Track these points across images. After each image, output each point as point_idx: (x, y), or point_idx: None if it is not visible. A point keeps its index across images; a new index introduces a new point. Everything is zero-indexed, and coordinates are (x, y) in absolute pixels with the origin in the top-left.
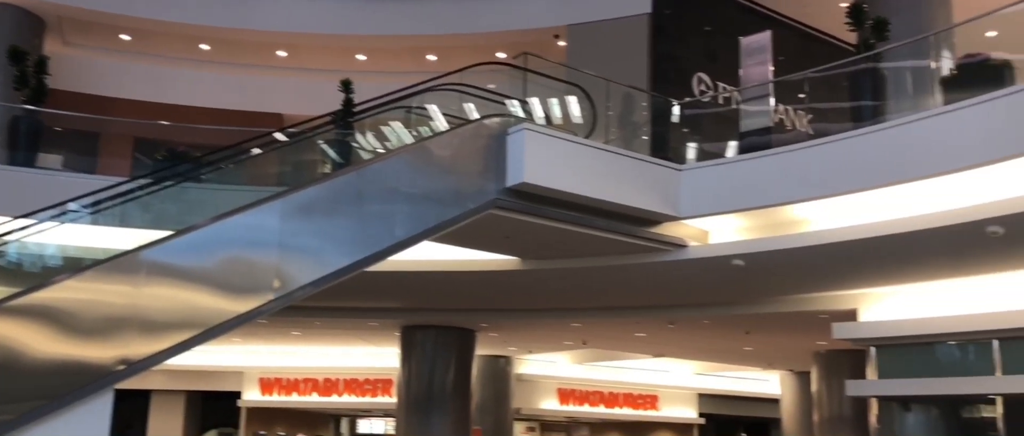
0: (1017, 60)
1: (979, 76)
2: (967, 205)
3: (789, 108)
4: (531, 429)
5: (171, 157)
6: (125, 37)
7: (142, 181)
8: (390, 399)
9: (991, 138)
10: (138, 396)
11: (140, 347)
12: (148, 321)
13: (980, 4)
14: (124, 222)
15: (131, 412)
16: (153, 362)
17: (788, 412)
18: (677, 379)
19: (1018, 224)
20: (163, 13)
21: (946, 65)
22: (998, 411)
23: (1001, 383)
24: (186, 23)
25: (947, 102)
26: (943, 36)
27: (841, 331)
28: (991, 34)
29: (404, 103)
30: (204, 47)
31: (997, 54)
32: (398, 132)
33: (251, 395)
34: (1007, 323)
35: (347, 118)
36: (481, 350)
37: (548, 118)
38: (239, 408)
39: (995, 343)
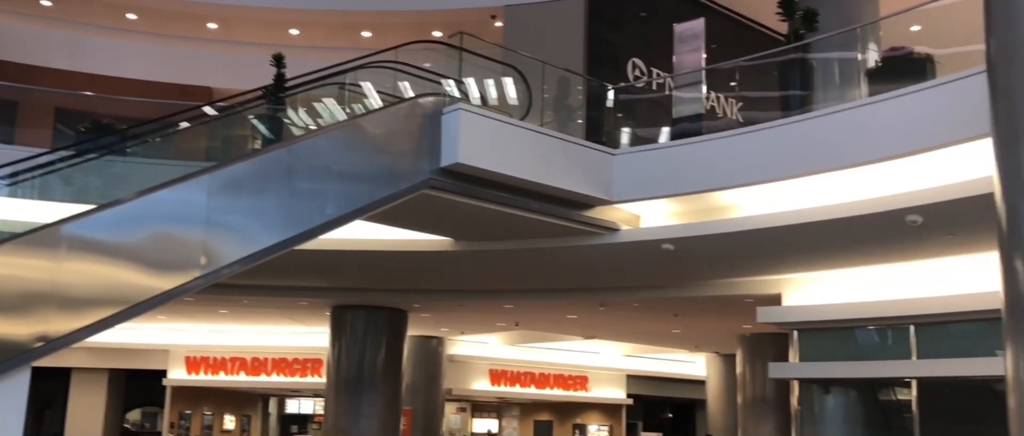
0: (939, 54)
1: (903, 69)
2: (888, 194)
3: (721, 96)
4: (462, 410)
5: (95, 129)
6: (46, 3)
7: (64, 153)
8: (319, 379)
9: (912, 129)
10: (58, 374)
11: (59, 324)
12: (68, 297)
13: None
14: (44, 195)
15: (50, 390)
16: (73, 339)
17: (713, 393)
18: (607, 361)
19: (936, 213)
20: None
21: (872, 57)
22: (913, 394)
23: (916, 367)
24: None
25: (872, 94)
26: (870, 29)
27: (765, 315)
28: (915, 29)
29: (338, 79)
30: (131, 16)
31: (920, 48)
32: (331, 109)
33: (176, 374)
34: (923, 309)
35: (279, 93)
36: (413, 331)
37: (484, 99)
38: (164, 387)
39: (911, 328)
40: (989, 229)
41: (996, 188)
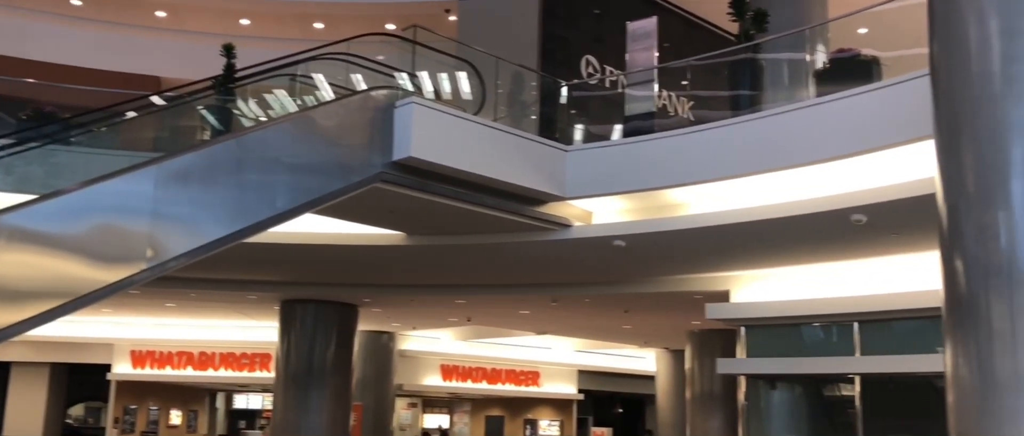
0: (885, 57)
1: (850, 70)
2: (834, 193)
3: (672, 94)
4: (413, 405)
5: (37, 117)
6: None
7: (4, 142)
8: (268, 374)
9: (858, 130)
10: None
11: None
12: (8, 289)
13: (854, 1)
14: None
15: None
16: (13, 332)
17: (662, 389)
18: (558, 356)
19: (880, 213)
20: None
21: (820, 59)
22: (856, 390)
23: (860, 363)
24: None
25: (820, 94)
26: (818, 30)
27: (714, 311)
28: (863, 31)
29: (289, 71)
30: (75, 3)
31: (867, 50)
32: (282, 100)
33: (121, 368)
34: (867, 306)
35: (228, 84)
36: (363, 325)
37: (437, 93)
38: (108, 382)
39: (855, 325)
40: (931, 229)
41: (938, 189)
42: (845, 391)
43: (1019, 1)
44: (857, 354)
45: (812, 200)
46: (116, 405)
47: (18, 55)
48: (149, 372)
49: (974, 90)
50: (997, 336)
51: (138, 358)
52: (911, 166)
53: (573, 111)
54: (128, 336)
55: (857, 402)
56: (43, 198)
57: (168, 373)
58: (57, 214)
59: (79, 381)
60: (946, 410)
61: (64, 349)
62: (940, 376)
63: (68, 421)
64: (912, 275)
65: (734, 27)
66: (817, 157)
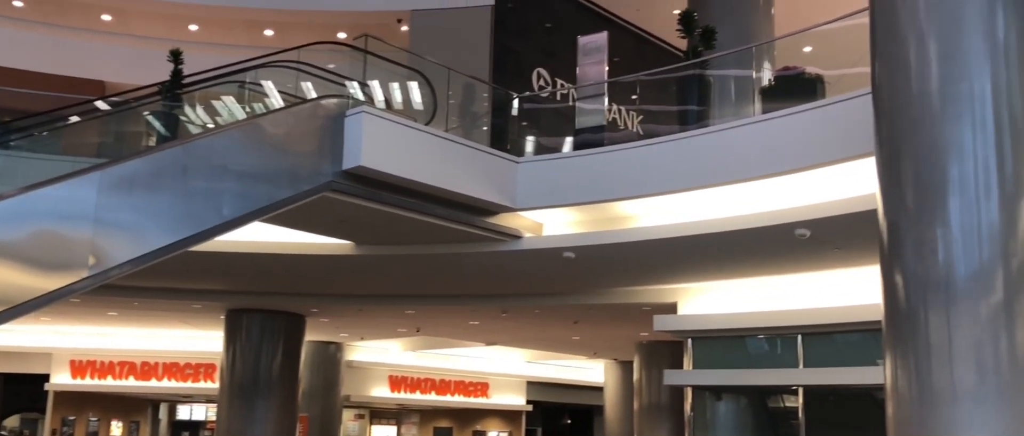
0: (829, 75)
1: (794, 88)
2: (779, 208)
3: (622, 108)
4: (360, 416)
5: None
6: None
7: None
8: (212, 385)
9: (803, 146)
10: None
11: None
12: None
13: (799, 20)
14: None
15: None
16: None
17: (611, 400)
18: (507, 367)
19: (823, 227)
20: None
21: (766, 76)
22: (799, 401)
23: (803, 375)
24: None
25: (765, 111)
26: (765, 48)
27: (661, 323)
28: (808, 49)
29: (238, 77)
30: (17, 4)
31: (812, 68)
32: (230, 107)
33: (60, 378)
34: (810, 319)
35: (176, 90)
36: (311, 336)
37: (388, 103)
38: (46, 392)
39: (799, 338)
40: (872, 244)
41: (879, 205)
42: (789, 402)
43: (957, 24)
44: (800, 366)
45: (757, 214)
46: (54, 416)
47: None
48: (89, 382)
49: (914, 109)
50: (935, 349)
51: (78, 368)
52: (853, 182)
53: (524, 123)
54: (67, 345)
55: (800, 413)
56: None
57: (109, 383)
58: None
59: (15, 391)
60: (886, 421)
61: (0, 358)
62: (880, 388)
63: (2, 433)
64: (854, 289)
65: (682, 43)
66: (762, 172)
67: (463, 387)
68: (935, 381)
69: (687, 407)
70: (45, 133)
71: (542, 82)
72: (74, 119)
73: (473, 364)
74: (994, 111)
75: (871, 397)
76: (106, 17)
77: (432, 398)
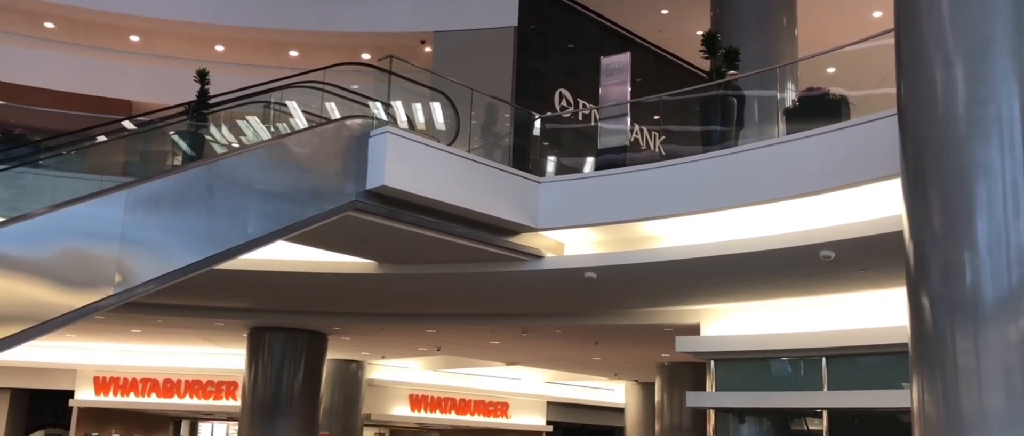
0: (853, 96)
1: (819, 109)
2: (803, 230)
3: (644, 128)
4: (380, 435)
5: (5, 139)
6: None
7: None
8: (234, 402)
9: (827, 168)
10: None
11: None
12: None
13: (823, 41)
14: None
15: None
16: None
17: (632, 421)
18: (527, 387)
19: (848, 249)
20: None
21: (790, 96)
22: (824, 424)
23: (828, 398)
24: None
25: (789, 132)
26: (788, 69)
27: (684, 345)
28: (831, 70)
29: (263, 98)
30: (48, 25)
31: (836, 89)
32: (255, 127)
33: (84, 395)
34: (835, 342)
35: (202, 110)
36: (332, 354)
37: (411, 123)
38: (70, 408)
39: (823, 360)
40: (898, 266)
41: (904, 227)
42: (813, 425)
43: (984, 45)
44: (825, 389)
45: (781, 236)
46: (78, 432)
47: None
48: (112, 399)
49: (940, 131)
50: (962, 373)
51: (101, 384)
52: (878, 204)
53: (546, 143)
54: (92, 362)
55: None
56: (10, 221)
57: (132, 400)
58: (24, 237)
59: (40, 407)
60: None
61: (25, 374)
62: (906, 411)
63: None
64: (879, 311)
65: (706, 64)
66: (786, 193)
67: (483, 407)
68: (963, 405)
69: (710, 430)
70: (73, 152)
71: (564, 102)
72: (101, 138)
73: (493, 384)
74: (1022, 132)
75: (896, 420)
76: (134, 38)
77: (452, 418)
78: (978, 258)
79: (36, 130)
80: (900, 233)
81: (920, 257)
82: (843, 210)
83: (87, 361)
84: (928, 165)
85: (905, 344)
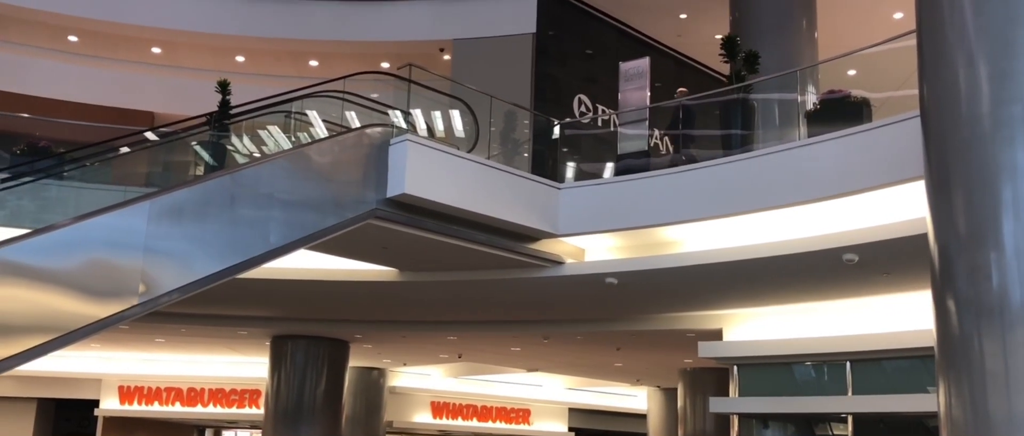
0: (875, 98)
1: (840, 111)
2: (826, 233)
3: (664, 133)
4: None
5: (31, 151)
6: None
7: None
8: (257, 410)
9: (850, 171)
10: None
11: None
12: None
13: (843, 43)
14: None
15: None
16: (3, 368)
17: (654, 427)
18: (549, 393)
19: (871, 252)
20: (27, 0)
21: (811, 99)
22: (849, 429)
23: (852, 402)
24: (52, 12)
25: (811, 135)
26: (809, 72)
27: (706, 350)
28: (852, 72)
29: (284, 107)
30: (72, 38)
31: (857, 91)
32: (276, 137)
33: (109, 404)
34: (859, 346)
35: (223, 120)
36: (354, 361)
37: (431, 131)
38: (96, 417)
39: (848, 364)
40: (922, 269)
41: (929, 229)
42: (838, 430)
43: (1008, 45)
44: (849, 393)
45: (804, 239)
46: None
47: (14, 90)
48: (137, 408)
49: (964, 132)
50: (990, 376)
51: (126, 393)
52: (902, 206)
53: (565, 149)
54: (116, 371)
55: None
56: (35, 232)
57: (156, 409)
58: (49, 249)
59: (66, 416)
60: None
61: (51, 384)
62: (933, 416)
63: None
64: (904, 315)
65: (725, 68)
66: (809, 197)
67: (505, 414)
68: (991, 409)
69: (734, 435)
70: (96, 163)
71: (583, 108)
72: (124, 150)
73: (515, 390)
74: None
75: (922, 425)
76: (156, 50)
77: (474, 424)
78: (1004, 260)
79: (60, 142)
80: (924, 235)
81: (945, 259)
82: (866, 213)
83: (112, 370)
84: (952, 166)
85: (931, 348)
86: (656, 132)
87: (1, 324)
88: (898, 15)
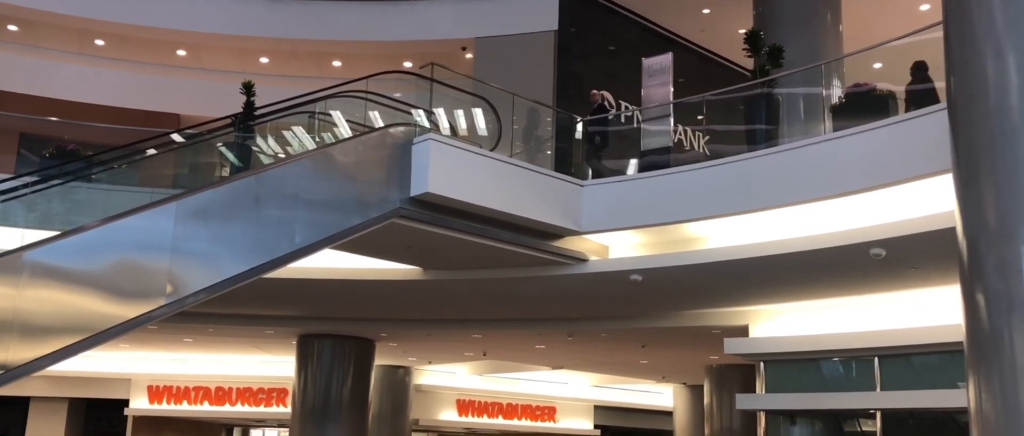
0: (900, 91)
1: (866, 105)
2: (852, 228)
3: (688, 129)
4: None
5: (59, 155)
6: (13, 28)
7: (28, 179)
8: (284, 409)
9: (875, 164)
10: (16, 403)
11: (20, 352)
12: (30, 325)
13: (868, 36)
14: (6, 221)
15: (8, 419)
16: (34, 368)
17: (681, 424)
18: (574, 391)
19: (899, 247)
20: (55, 5)
21: (836, 93)
22: (877, 425)
23: (881, 398)
24: (80, 16)
25: (836, 129)
26: (834, 65)
27: (732, 346)
28: (877, 66)
29: (308, 108)
30: (99, 42)
31: (883, 85)
32: (300, 137)
33: (139, 403)
34: (887, 341)
35: (248, 121)
36: (380, 360)
37: (454, 129)
38: (126, 417)
39: (876, 360)
40: (951, 263)
41: (957, 223)
42: (866, 427)
43: None
44: (878, 389)
45: (830, 234)
46: None
47: (43, 94)
48: (166, 407)
49: (992, 124)
50: (1020, 371)
51: (155, 393)
52: (930, 200)
53: (588, 146)
54: (145, 371)
55: None
56: (65, 235)
57: (185, 408)
58: (78, 250)
59: (97, 416)
60: None
61: (82, 384)
62: (962, 411)
63: None
64: (933, 309)
65: (749, 63)
66: (835, 191)
67: (530, 411)
68: (1022, 404)
69: (760, 432)
70: (124, 166)
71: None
72: (151, 151)
73: (540, 388)
74: None
75: (953, 420)
76: (181, 53)
77: (499, 422)
78: None
79: (88, 145)
80: (953, 229)
81: (974, 253)
82: (893, 207)
83: (141, 370)
84: (981, 159)
85: (960, 342)
86: (680, 127)
87: (33, 325)
88: (925, 7)
